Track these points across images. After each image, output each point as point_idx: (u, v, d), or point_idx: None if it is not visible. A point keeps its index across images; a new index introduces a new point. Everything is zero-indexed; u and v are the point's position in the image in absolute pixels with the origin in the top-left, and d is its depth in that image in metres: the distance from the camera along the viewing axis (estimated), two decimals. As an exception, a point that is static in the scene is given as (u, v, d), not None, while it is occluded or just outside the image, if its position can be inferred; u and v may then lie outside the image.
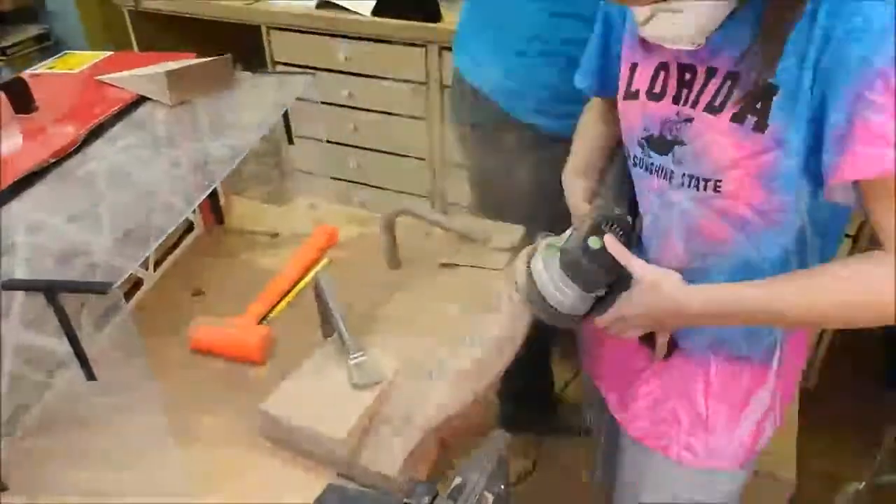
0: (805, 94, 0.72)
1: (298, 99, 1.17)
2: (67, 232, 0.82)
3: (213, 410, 0.94)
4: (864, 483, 1.67)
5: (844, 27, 0.68)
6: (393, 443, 0.85)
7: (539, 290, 0.93)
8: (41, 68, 1.20)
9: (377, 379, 0.90)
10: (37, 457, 0.88)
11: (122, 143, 0.99)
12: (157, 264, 1.19)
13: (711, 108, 0.79)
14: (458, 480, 0.73)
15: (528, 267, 0.95)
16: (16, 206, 0.84)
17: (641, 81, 0.87)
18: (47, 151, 0.91)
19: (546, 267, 0.93)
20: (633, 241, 0.93)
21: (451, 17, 1.91)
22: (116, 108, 1.04)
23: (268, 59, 2.24)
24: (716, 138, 0.78)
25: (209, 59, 1.12)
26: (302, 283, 1.17)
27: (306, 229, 1.27)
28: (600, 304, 0.92)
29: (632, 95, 0.89)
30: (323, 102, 2.18)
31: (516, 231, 1.19)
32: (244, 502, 0.82)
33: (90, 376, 0.76)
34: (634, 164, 0.92)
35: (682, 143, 0.83)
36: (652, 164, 0.88)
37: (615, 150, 1.02)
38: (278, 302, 1.13)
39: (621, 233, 0.90)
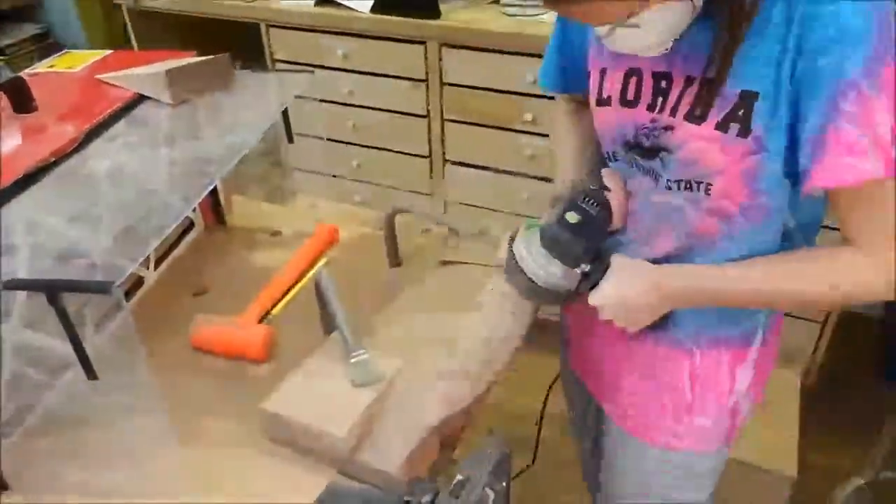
0: (784, 100, 0.73)
1: (298, 97, 1.17)
2: (68, 231, 0.82)
3: (214, 409, 0.94)
4: (864, 479, 1.67)
5: (819, 35, 0.69)
6: (394, 441, 0.85)
7: (521, 268, 0.93)
8: (41, 67, 1.20)
9: (378, 377, 0.90)
10: (38, 456, 0.88)
11: (122, 142, 0.99)
12: (158, 263, 1.19)
13: (693, 117, 0.79)
14: (459, 478, 0.74)
15: (511, 248, 0.95)
16: (16, 206, 0.84)
17: (612, 87, 0.88)
18: (47, 151, 0.91)
19: (527, 245, 0.93)
20: (609, 216, 0.94)
21: (450, 14, 1.91)
22: (116, 106, 1.04)
23: (267, 58, 2.24)
24: (701, 146, 0.79)
25: (208, 57, 1.12)
26: (303, 282, 1.17)
27: (307, 228, 1.27)
28: (585, 281, 0.92)
29: (604, 102, 0.89)
30: (322, 100, 2.18)
31: (516, 227, 1.19)
32: (245, 501, 0.83)
33: (92, 376, 0.76)
34: (615, 160, 0.93)
35: (667, 150, 0.84)
36: (637, 163, 0.89)
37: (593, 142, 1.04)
38: (279, 301, 1.13)
39: (597, 206, 0.90)
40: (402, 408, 0.89)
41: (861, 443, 1.73)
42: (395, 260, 1.18)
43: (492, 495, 0.74)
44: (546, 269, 0.92)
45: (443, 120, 2.05)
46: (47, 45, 2.81)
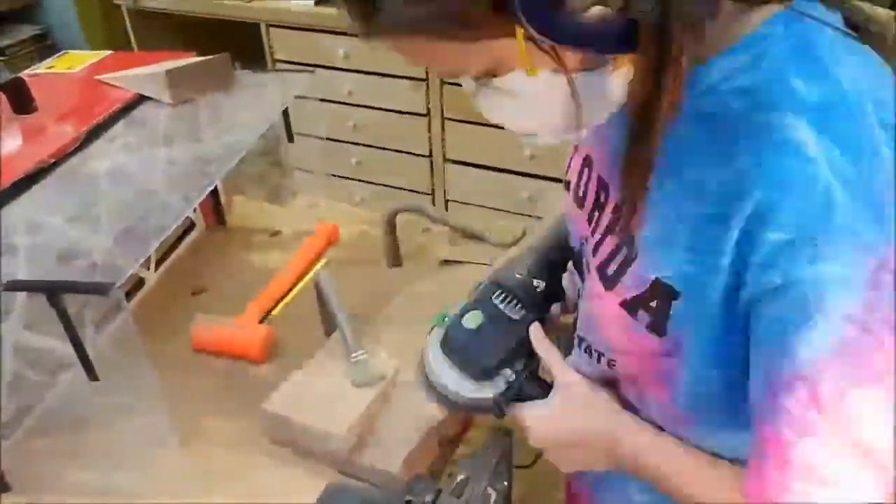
0: (719, 317, 0.50)
1: (298, 97, 1.17)
2: (68, 232, 0.82)
3: (215, 410, 0.94)
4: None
5: (766, 277, 0.46)
6: (394, 440, 0.85)
7: (426, 374, 0.73)
8: (40, 68, 1.20)
9: (378, 377, 0.89)
10: (39, 457, 0.88)
11: (121, 143, 0.99)
12: (158, 264, 1.19)
13: (604, 276, 0.58)
14: (460, 477, 0.73)
15: (424, 347, 0.76)
16: (16, 207, 0.84)
17: (573, 170, 0.68)
18: (47, 151, 0.91)
19: (434, 347, 0.73)
20: (546, 314, 0.73)
21: (451, 14, 1.91)
22: (116, 107, 1.04)
23: (267, 57, 2.24)
24: (606, 316, 0.59)
25: (208, 57, 1.12)
26: (303, 282, 1.17)
27: (307, 228, 1.27)
28: (507, 391, 0.71)
29: (566, 185, 0.70)
30: (323, 100, 2.18)
31: (517, 227, 1.19)
32: (245, 501, 0.82)
33: (93, 377, 0.76)
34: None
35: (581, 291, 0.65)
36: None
37: None
38: (279, 301, 1.13)
39: (518, 305, 0.70)
40: (402, 407, 0.89)
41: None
42: (396, 260, 1.18)
43: (493, 494, 0.74)
44: (451, 378, 0.71)
45: (443, 119, 2.05)
46: (46, 45, 2.81)
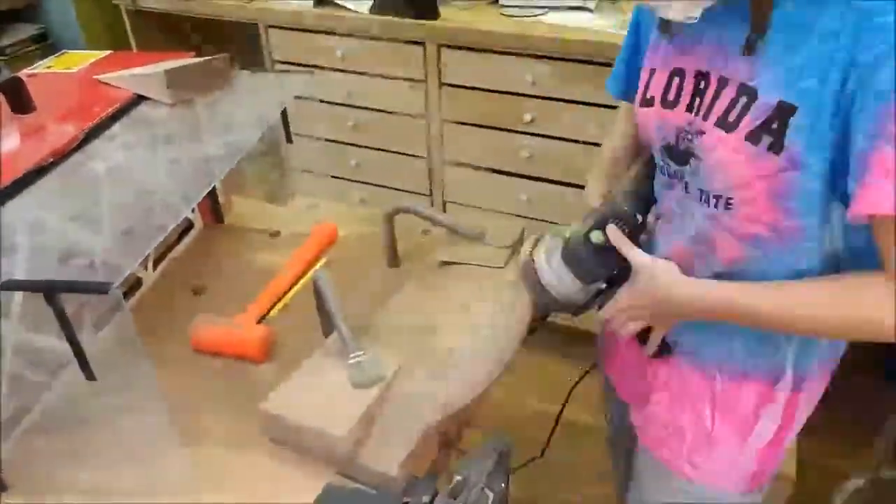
0: (827, 116, 0.69)
1: (297, 97, 1.17)
2: (67, 231, 0.82)
3: (213, 410, 0.94)
4: (864, 479, 1.67)
5: (872, 53, 0.65)
6: (393, 441, 0.85)
7: (538, 275, 0.96)
8: (39, 68, 1.20)
9: (377, 378, 0.90)
10: (37, 457, 0.88)
11: (120, 143, 0.99)
12: (157, 263, 1.19)
13: (724, 124, 0.76)
14: (458, 478, 0.74)
15: (532, 252, 0.98)
16: (15, 206, 0.84)
17: (656, 88, 0.86)
18: (46, 151, 0.91)
19: (548, 255, 0.96)
20: (638, 239, 0.93)
21: (449, 15, 1.91)
22: (115, 107, 1.04)
23: (266, 58, 2.24)
24: (728, 155, 0.76)
25: (208, 58, 1.12)
26: (301, 282, 1.17)
27: (306, 228, 1.27)
28: (599, 297, 0.95)
29: (647, 102, 0.88)
30: (321, 101, 2.18)
31: (515, 229, 1.20)
32: (245, 501, 0.82)
33: (90, 376, 0.76)
34: (660, 171, 0.91)
35: (696, 157, 0.81)
36: (672, 171, 0.87)
37: (639, 151, 1.03)
38: (278, 301, 1.13)
39: (626, 229, 0.91)
40: (401, 408, 0.89)
41: (861, 443, 1.73)
42: (394, 260, 1.18)
43: (490, 495, 0.74)
44: (562, 281, 0.94)
45: (441, 121, 2.05)
46: (46, 45, 2.81)
